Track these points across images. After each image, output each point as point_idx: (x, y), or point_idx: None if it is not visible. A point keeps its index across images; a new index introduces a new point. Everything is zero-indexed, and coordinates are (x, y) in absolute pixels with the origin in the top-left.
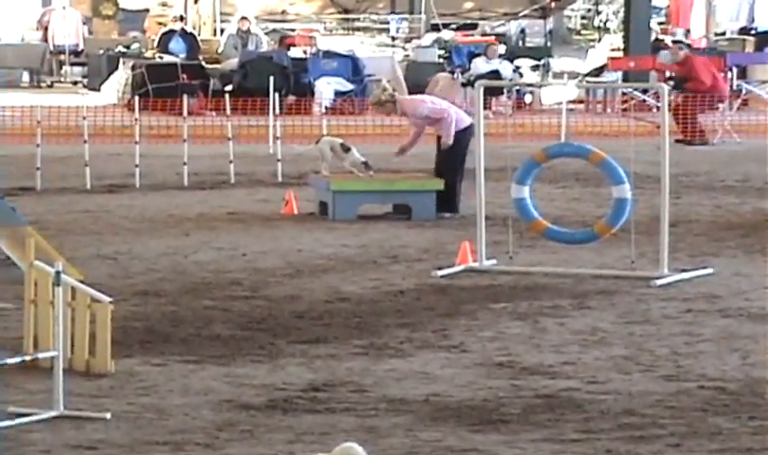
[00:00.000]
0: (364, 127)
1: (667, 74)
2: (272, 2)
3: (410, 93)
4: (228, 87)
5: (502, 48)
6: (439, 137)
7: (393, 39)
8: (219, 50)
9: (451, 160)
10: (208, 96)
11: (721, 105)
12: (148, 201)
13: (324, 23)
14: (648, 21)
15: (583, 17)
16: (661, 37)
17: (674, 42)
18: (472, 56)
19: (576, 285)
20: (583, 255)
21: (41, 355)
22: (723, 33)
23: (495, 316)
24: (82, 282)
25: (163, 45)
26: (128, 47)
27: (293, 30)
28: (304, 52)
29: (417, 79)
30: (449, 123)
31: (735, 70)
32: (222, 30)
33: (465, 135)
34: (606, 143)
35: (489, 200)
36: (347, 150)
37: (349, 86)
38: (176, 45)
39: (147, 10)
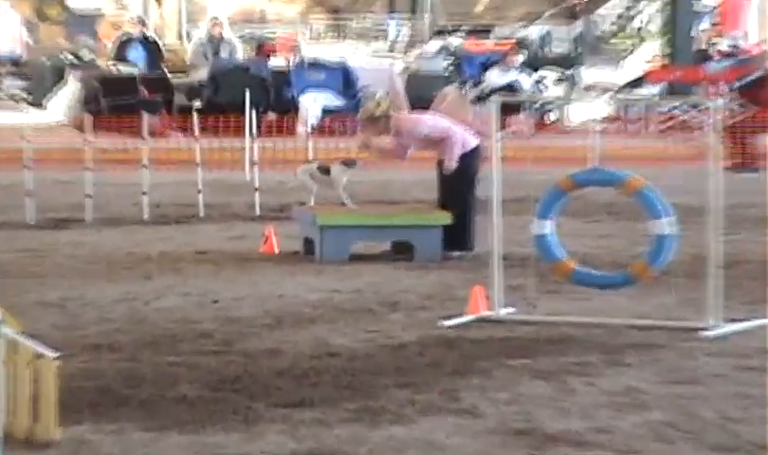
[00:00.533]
0: (358, 150)
1: (734, 85)
2: (248, 2)
3: (411, 109)
4: (197, 103)
5: (520, 57)
6: (440, 163)
7: (392, 46)
8: (186, 59)
9: (459, 189)
10: (172, 113)
11: None
12: (102, 238)
13: (310, 26)
14: (696, 23)
15: (618, 18)
16: (713, 42)
17: (732, 47)
18: (485, 66)
19: (608, 338)
20: (617, 302)
21: None
22: None
23: (513, 374)
24: (23, 334)
25: (120, 54)
26: (77, 56)
27: (273, 36)
28: (287, 61)
29: (420, 93)
30: (453, 145)
31: None
32: (189, 36)
33: (472, 158)
34: (645, 169)
35: (506, 237)
36: (326, 171)
37: (340, 102)
38: (135, 53)
39: (100, 12)
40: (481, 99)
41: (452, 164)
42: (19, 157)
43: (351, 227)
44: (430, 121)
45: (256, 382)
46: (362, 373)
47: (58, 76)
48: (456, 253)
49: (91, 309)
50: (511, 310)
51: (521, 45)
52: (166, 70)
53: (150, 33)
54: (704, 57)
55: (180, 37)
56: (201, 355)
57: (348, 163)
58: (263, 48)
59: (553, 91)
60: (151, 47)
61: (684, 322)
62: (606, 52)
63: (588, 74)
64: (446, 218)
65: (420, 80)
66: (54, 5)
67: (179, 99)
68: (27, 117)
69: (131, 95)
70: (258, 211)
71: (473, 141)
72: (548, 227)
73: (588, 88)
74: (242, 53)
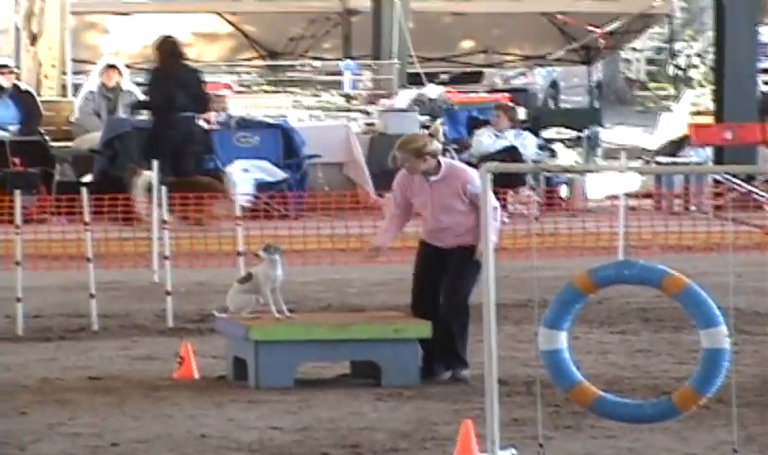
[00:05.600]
0: (304, 239)
1: None
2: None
3: (375, 181)
4: (87, 177)
5: (521, 112)
6: (422, 245)
7: (349, 98)
8: (71, 118)
9: (470, 284)
10: (51, 192)
11: None
12: None
13: (239, 75)
14: (754, 66)
15: (651, 62)
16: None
17: None
18: (475, 124)
19: None
20: (657, 441)
21: None
22: None
23: None
24: None
25: None
26: None
27: None
28: (207, 122)
29: (387, 161)
30: (497, 218)
31: None
32: (76, 87)
33: None
34: (690, 261)
35: (505, 354)
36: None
37: (279, 174)
38: (3, 110)
39: None
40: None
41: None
42: None
43: (296, 342)
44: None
45: None
46: None
47: None
48: (465, 372)
49: None
50: (513, 453)
51: (520, 95)
52: (44, 134)
53: (22, 84)
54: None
55: (63, 89)
56: None
57: (271, 250)
58: None
59: (565, 157)
60: (23, 103)
61: None
62: (636, 104)
63: (612, 134)
64: (423, 329)
65: (386, 143)
66: None
67: (62, 172)
68: None
69: None
70: (170, 323)
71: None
72: (561, 340)
73: (612, 153)
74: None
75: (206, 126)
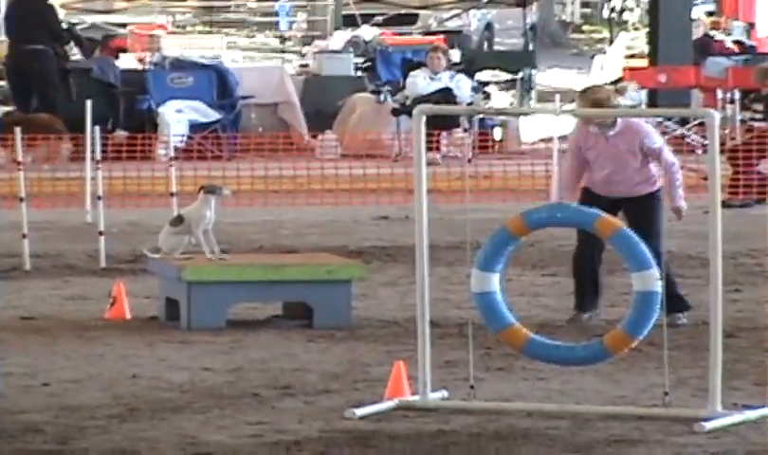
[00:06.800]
0: (237, 180)
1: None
2: None
3: (309, 123)
4: (16, 114)
5: (455, 54)
6: (588, 194)
7: (284, 40)
8: (2, 57)
9: (660, 227)
10: None
11: None
12: None
13: (173, 16)
14: (689, 9)
15: (585, 4)
16: (710, 34)
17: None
18: (409, 66)
19: (576, 431)
20: (588, 383)
21: None
22: None
23: None
24: None
25: None
26: None
27: (123, 27)
28: (141, 61)
29: (321, 102)
30: (679, 177)
31: None
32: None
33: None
34: None
35: (438, 296)
36: (179, 221)
37: (213, 115)
38: None
39: None
40: (402, 110)
41: (683, 203)
42: None
43: (229, 283)
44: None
45: None
46: None
47: None
48: (681, 317)
49: None
50: (444, 394)
51: (455, 37)
52: None
53: None
54: (704, 53)
55: None
56: None
57: (210, 190)
58: (108, 44)
59: (499, 100)
60: None
61: (676, 410)
62: (570, 46)
63: (546, 76)
64: (358, 271)
65: (321, 85)
66: None
67: None
68: None
69: None
70: (103, 263)
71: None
72: (494, 282)
73: (546, 95)
74: (80, 51)
75: (63, 63)
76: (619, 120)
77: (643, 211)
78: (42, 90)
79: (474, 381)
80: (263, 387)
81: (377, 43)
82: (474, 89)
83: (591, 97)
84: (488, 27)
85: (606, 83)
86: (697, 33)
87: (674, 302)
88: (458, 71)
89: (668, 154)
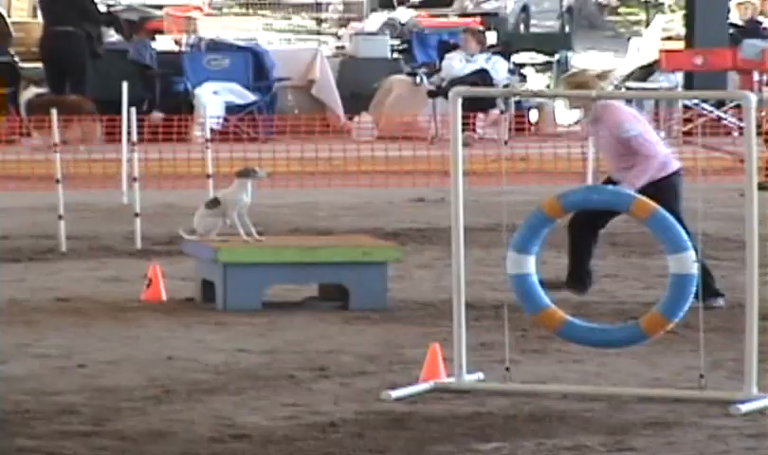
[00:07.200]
0: (273, 162)
1: None
2: None
3: (345, 105)
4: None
5: (491, 36)
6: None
7: (320, 22)
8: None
9: (679, 209)
10: (20, 112)
11: None
12: None
13: None
14: None
15: None
16: (748, 17)
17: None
18: (445, 48)
19: (611, 413)
20: (623, 365)
21: None
22: None
23: None
24: None
25: None
26: None
27: (159, 9)
28: (177, 43)
29: (357, 84)
30: (649, 168)
31: None
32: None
33: (677, 181)
34: None
35: (472, 278)
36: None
37: (249, 97)
38: None
39: None
40: (438, 92)
41: (632, 189)
42: None
43: (264, 265)
44: (641, 126)
45: None
46: None
47: None
48: (721, 301)
49: None
50: (479, 376)
51: (491, 20)
52: (14, 54)
53: None
54: (753, 36)
55: (34, 10)
56: (63, 438)
57: (246, 173)
58: (144, 25)
59: (535, 82)
60: None
61: (711, 393)
62: (607, 29)
63: (582, 59)
64: (393, 252)
65: (357, 67)
66: None
67: (32, 93)
68: None
69: None
70: (139, 245)
71: (675, 163)
72: (529, 264)
73: None
74: (117, 33)
75: (94, 45)
76: (594, 107)
77: (656, 197)
78: (72, 72)
79: (510, 363)
80: (298, 368)
81: (413, 25)
82: (510, 71)
83: (572, 80)
84: (525, 8)
85: (587, 70)
86: (745, 15)
87: (708, 289)
88: (494, 53)
89: (645, 146)
